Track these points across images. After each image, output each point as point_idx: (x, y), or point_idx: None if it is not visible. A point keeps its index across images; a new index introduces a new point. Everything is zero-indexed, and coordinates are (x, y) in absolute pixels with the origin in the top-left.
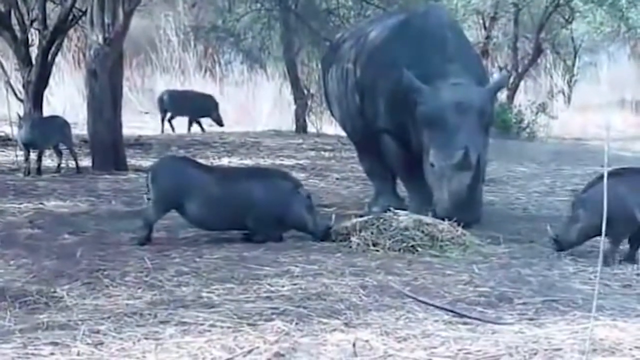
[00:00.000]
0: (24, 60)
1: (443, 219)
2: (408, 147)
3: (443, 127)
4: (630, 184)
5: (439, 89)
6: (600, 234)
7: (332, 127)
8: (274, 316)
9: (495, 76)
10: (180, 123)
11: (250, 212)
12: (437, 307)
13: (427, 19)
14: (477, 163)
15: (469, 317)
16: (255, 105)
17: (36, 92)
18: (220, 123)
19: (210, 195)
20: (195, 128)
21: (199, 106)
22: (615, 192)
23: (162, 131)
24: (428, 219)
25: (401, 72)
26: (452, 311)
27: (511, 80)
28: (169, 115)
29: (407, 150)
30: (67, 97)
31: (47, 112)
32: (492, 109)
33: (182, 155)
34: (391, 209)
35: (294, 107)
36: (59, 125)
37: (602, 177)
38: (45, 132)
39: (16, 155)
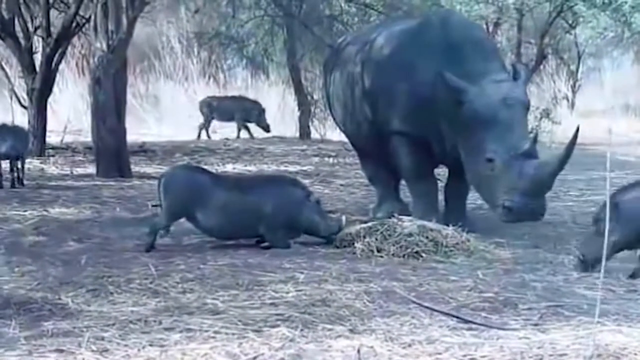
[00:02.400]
0: (28, 68)
1: (516, 216)
2: (423, 150)
3: (497, 123)
4: None
5: (485, 87)
6: (630, 247)
7: (336, 133)
8: (278, 322)
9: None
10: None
11: (262, 220)
12: (442, 312)
13: (450, 21)
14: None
15: (474, 323)
16: None
17: (40, 99)
18: (266, 129)
19: (222, 203)
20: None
21: (246, 112)
22: None
23: (199, 137)
24: (432, 225)
25: (425, 75)
26: (457, 317)
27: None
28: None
29: (420, 153)
30: (71, 104)
31: (51, 119)
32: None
33: (193, 164)
34: (395, 214)
35: (297, 113)
36: (25, 135)
37: (625, 188)
38: (18, 141)
39: None
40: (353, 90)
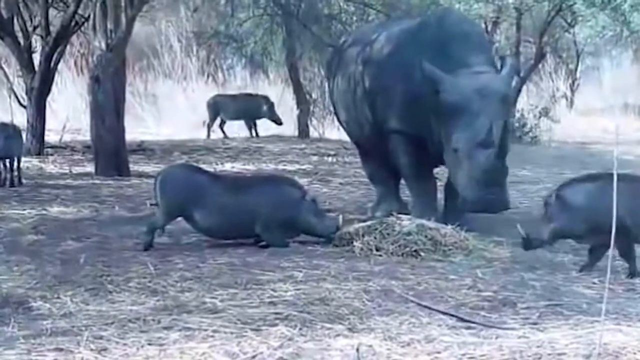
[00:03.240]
0: (27, 67)
1: (471, 206)
2: (421, 149)
3: (465, 112)
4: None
5: (461, 77)
6: (575, 238)
7: (334, 132)
8: (277, 321)
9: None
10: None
11: (258, 220)
12: (440, 312)
13: (445, 19)
14: (500, 144)
15: (473, 322)
16: None
17: (39, 98)
18: (278, 121)
19: (218, 203)
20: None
21: (255, 109)
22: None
23: (208, 136)
24: (431, 224)
25: (420, 72)
26: (455, 316)
27: (513, 84)
28: (219, 120)
29: (419, 152)
30: (69, 103)
31: (50, 118)
32: (512, 95)
33: (189, 163)
34: (394, 213)
35: (296, 112)
36: (19, 134)
37: (576, 179)
38: (17, 140)
39: None
40: (354, 90)
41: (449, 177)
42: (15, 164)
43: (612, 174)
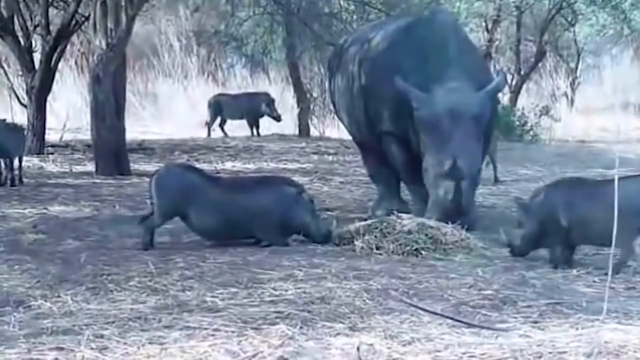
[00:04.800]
0: (27, 66)
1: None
2: (413, 150)
3: (436, 134)
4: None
5: (433, 95)
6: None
7: (335, 131)
8: (278, 320)
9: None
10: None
11: (255, 221)
12: (438, 314)
13: (430, 23)
14: (469, 170)
15: (470, 324)
16: None
17: (39, 97)
18: (278, 118)
19: (214, 203)
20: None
21: (255, 107)
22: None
23: (209, 135)
24: (432, 222)
25: (404, 77)
26: (452, 318)
27: (514, 83)
28: (219, 120)
29: (411, 153)
30: (70, 102)
31: (50, 117)
32: (491, 112)
33: (186, 162)
34: (395, 212)
35: (296, 110)
36: (23, 133)
37: (545, 186)
38: (21, 140)
39: None
40: (352, 90)
41: None
42: (17, 163)
43: (579, 179)
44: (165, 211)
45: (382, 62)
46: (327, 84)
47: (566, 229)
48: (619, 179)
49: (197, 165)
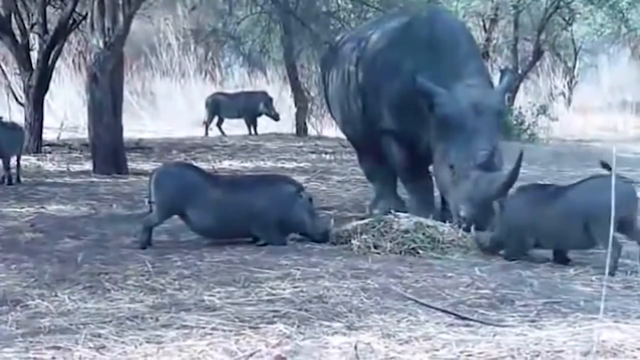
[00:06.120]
0: (25, 65)
1: (464, 220)
2: (413, 148)
3: (463, 129)
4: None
5: (456, 92)
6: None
7: (332, 130)
8: (275, 319)
9: (504, 76)
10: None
11: (254, 220)
12: (438, 309)
13: (435, 21)
14: (499, 164)
15: (471, 320)
16: None
17: (37, 96)
18: (276, 118)
19: (213, 202)
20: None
21: (253, 106)
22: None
23: (206, 134)
24: (429, 221)
25: (407, 74)
26: (453, 314)
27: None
28: (216, 119)
29: (410, 151)
30: (67, 101)
31: (47, 116)
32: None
33: (184, 161)
34: (392, 211)
35: (294, 110)
36: (22, 133)
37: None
38: (20, 139)
39: None
40: (349, 89)
41: None
42: (15, 162)
43: (542, 186)
44: (164, 209)
45: (385, 61)
46: (321, 81)
47: (524, 233)
48: (584, 181)
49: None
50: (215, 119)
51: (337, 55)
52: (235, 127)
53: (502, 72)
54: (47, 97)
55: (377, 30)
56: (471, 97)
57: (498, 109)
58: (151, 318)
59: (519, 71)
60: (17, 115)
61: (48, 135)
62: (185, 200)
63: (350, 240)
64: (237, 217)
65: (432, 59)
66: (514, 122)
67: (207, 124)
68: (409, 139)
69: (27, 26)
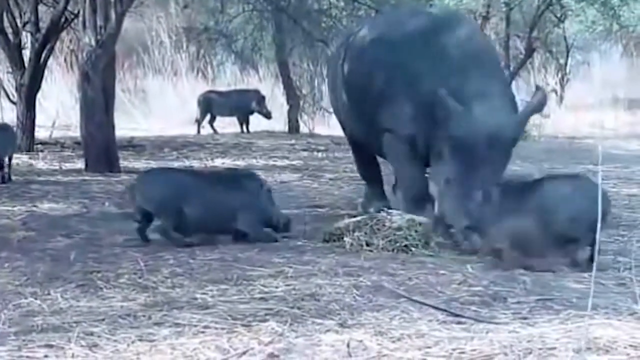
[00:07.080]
0: (17, 63)
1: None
2: (413, 147)
3: (471, 156)
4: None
5: (472, 113)
6: None
7: (324, 128)
8: (268, 317)
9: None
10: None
11: (236, 216)
12: (431, 306)
13: (456, 26)
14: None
15: (463, 317)
16: None
17: (29, 94)
18: (268, 116)
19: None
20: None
21: (245, 104)
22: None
23: (198, 132)
24: (421, 219)
25: (428, 84)
26: (446, 311)
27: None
28: (208, 117)
29: (410, 150)
30: (59, 99)
31: (39, 114)
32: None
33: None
34: (384, 209)
35: (286, 107)
36: (14, 133)
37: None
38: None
39: None
40: (349, 87)
41: None
42: (7, 161)
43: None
44: (166, 209)
45: (405, 67)
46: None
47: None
48: (547, 179)
49: (185, 163)
50: (208, 117)
51: (347, 53)
52: (227, 125)
53: (537, 88)
54: (39, 95)
55: (396, 31)
56: (487, 126)
57: (513, 137)
58: (144, 316)
59: (511, 68)
60: (9, 114)
61: (40, 133)
62: (181, 200)
63: (342, 238)
64: (219, 213)
65: (456, 69)
66: None
67: (199, 122)
68: (409, 138)
69: (19, 24)
